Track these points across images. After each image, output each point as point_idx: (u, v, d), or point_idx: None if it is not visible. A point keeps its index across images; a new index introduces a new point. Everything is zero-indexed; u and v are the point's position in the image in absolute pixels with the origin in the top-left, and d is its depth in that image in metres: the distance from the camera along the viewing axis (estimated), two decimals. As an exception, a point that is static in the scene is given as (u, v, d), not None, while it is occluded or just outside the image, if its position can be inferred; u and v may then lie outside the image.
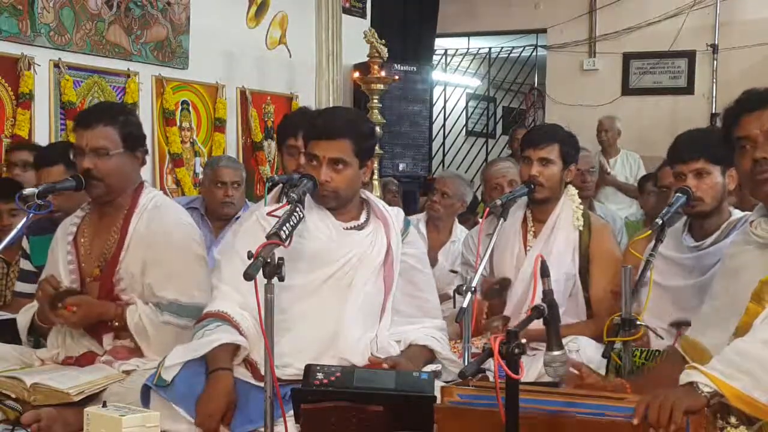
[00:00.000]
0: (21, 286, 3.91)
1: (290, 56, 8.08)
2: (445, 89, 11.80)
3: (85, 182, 3.26)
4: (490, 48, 11.48)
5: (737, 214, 3.36)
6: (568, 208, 3.69)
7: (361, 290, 3.00)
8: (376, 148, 6.33)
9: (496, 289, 3.62)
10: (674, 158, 3.38)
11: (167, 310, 3.23)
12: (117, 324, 3.23)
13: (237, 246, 3.04)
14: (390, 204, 3.41)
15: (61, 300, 3.18)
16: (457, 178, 5.55)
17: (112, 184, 3.29)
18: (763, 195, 2.60)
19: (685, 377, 2.24)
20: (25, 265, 3.92)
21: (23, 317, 3.44)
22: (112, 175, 3.27)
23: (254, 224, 3.08)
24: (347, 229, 3.06)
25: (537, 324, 2.69)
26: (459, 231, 5.39)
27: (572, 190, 3.76)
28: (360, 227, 3.08)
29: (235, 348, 2.87)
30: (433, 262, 4.45)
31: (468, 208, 6.16)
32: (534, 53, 11.05)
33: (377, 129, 6.27)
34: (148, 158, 3.87)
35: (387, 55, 6.55)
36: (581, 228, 3.65)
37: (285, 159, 3.92)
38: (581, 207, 3.73)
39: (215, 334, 2.86)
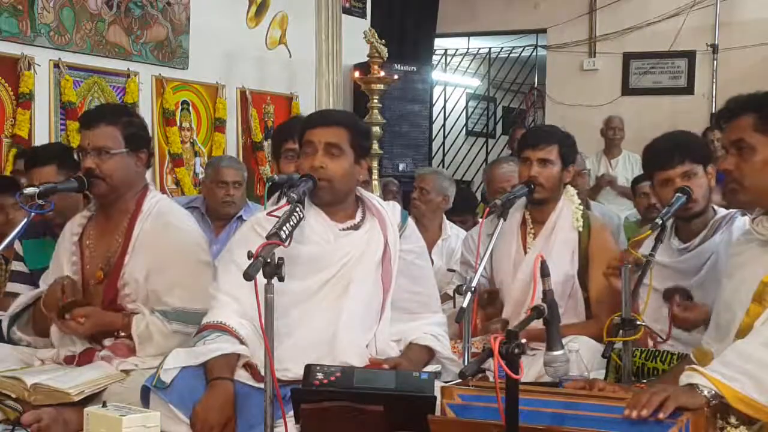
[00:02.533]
0: (12, 287, 3.90)
1: (290, 56, 8.08)
2: (445, 89, 11.80)
3: (88, 182, 3.27)
4: (490, 48, 11.48)
5: (721, 212, 3.38)
6: (567, 209, 3.68)
7: (358, 292, 2.98)
8: (376, 147, 6.40)
9: (486, 299, 3.61)
10: (657, 165, 3.36)
11: (175, 318, 3.22)
12: (123, 334, 3.24)
13: (233, 253, 3.05)
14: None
15: (68, 311, 3.19)
16: (436, 173, 5.53)
17: (115, 183, 3.30)
18: (730, 204, 2.65)
19: (685, 378, 2.24)
20: (18, 266, 3.91)
21: (21, 301, 3.45)
22: (113, 174, 3.28)
23: (249, 230, 3.08)
24: (343, 230, 3.05)
25: (536, 324, 2.70)
26: (449, 228, 5.37)
27: (571, 191, 3.75)
28: (356, 227, 3.07)
29: (236, 358, 2.86)
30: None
31: (467, 208, 6.15)
32: (534, 53, 11.05)
33: (377, 129, 6.34)
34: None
35: (387, 55, 6.55)
36: (581, 229, 3.65)
37: (282, 164, 3.91)
38: (581, 207, 3.72)
39: (216, 344, 2.85)
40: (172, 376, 2.75)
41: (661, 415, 2.12)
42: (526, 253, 3.66)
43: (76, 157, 3.39)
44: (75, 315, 3.17)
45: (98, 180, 3.27)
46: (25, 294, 3.51)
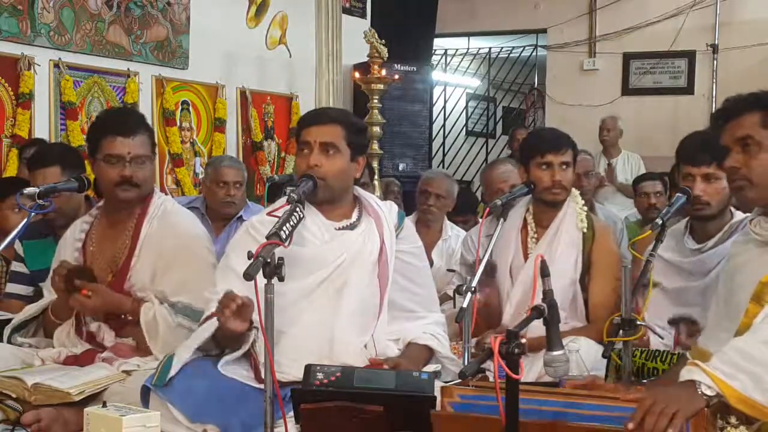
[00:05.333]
0: (12, 288, 3.90)
1: (290, 56, 8.08)
2: (445, 89, 11.81)
3: (119, 189, 3.30)
4: (490, 48, 11.48)
5: (738, 215, 3.37)
6: (572, 211, 3.67)
7: (354, 292, 2.97)
8: (376, 147, 6.39)
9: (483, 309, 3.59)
10: (685, 158, 3.38)
11: (181, 312, 3.23)
12: (130, 318, 3.25)
13: (229, 258, 3.05)
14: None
15: (77, 276, 3.20)
16: (446, 177, 5.51)
17: (145, 190, 3.36)
18: (738, 202, 2.65)
19: (686, 374, 2.23)
20: (18, 267, 3.91)
21: (26, 312, 3.45)
22: (147, 180, 3.36)
23: (244, 234, 3.09)
24: (339, 229, 3.04)
25: (535, 333, 2.69)
26: (450, 228, 5.38)
27: (575, 192, 3.74)
28: (352, 226, 3.07)
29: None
30: (428, 262, 4.42)
31: (468, 209, 6.15)
32: (534, 53, 11.06)
33: (377, 129, 6.33)
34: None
35: (387, 55, 6.55)
36: (585, 230, 3.63)
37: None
38: (584, 209, 3.70)
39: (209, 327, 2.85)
40: (175, 370, 2.76)
41: (671, 431, 2.10)
42: (526, 258, 3.62)
43: (103, 162, 3.33)
44: (82, 288, 3.18)
45: (133, 187, 3.30)
46: (31, 306, 3.50)
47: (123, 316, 3.27)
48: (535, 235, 3.67)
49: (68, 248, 3.43)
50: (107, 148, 3.30)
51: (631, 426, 2.12)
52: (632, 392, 2.32)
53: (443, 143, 11.54)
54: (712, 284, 3.22)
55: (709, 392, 2.17)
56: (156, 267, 3.29)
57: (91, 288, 3.20)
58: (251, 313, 2.67)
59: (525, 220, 3.71)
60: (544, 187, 3.58)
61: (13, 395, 2.96)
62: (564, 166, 3.59)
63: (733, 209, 3.41)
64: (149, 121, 3.68)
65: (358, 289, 2.98)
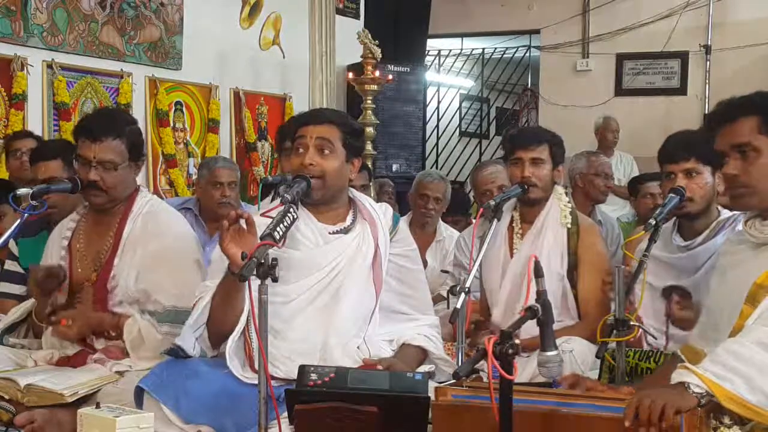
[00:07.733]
0: (5, 287, 3.89)
1: (284, 57, 8.08)
2: (438, 90, 11.81)
3: (88, 192, 3.29)
4: (483, 49, 11.50)
5: (726, 213, 3.38)
6: (555, 208, 3.67)
7: (350, 296, 2.97)
8: (370, 148, 6.40)
9: (473, 329, 3.61)
10: (665, 158, 3.39)
11: (165, 320, 3.20)
12: (114, 335, 3.24)
13: (224, 260, 3.03)
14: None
15: (50, 278, 3.21)
16: (443, 179, 5.51)
17: (116, 194, 3.32)
18: (737, 208, 2.65)
19: (677, 376, 2.24)
20: (11, 266, 3.90)
21: (13, 315, 3.45)
22: (117, 187, 3.30)
23: None
24: (333, 233, 3.03)
25: (528, 334, 2.69)
26: (444, 229, 5.39)
27: (560, 190, 3.74)
28: (346, 230, 3.05)
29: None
30: (422, 263, 4.42)
31: (459, 209, 6.16)
32: (527, 54, 11.07)
33: (370, 130, 6.34)
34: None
35: (380, 56, 6.57)
36: (569, 226, 3.64)
37: (284, 162, 3.96)
38: (569, 205, 3.71)
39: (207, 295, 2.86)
40: (182, 340, 2.82)
41: (664, 425, 2.11)
42: (512, 254, 3.65)
43: (75, 164, 3.37)
44: (62, 318, 3.18)
45: (100, 192, 3.28)
46: (17, 307, 3.50)
47: (106, 334, 3.26)
48: (520, 231, 3.68)
49: (55, 246, 3.43)
50: (79, 149, 3.31)
51: (627, 425, 2.13)
52: (622, 392, 2.34)
53: (437, 144, 11.55)
54: (702, 281, 3.24)
55: (698, 390, 2.17)
56: (139, 265, 3.27)
57: (68, 316, 3.19)
58: (252, 243, 2.64)
59: (512, 218, 3.72)
60: (516, 183, 3.60)
61: (6, 396, 2.96)
62: (536, 162, 3.60)
63: (720, 207, 3.43)
64: (142, 123, 3.65)
65: (354, 293, 2.98)
